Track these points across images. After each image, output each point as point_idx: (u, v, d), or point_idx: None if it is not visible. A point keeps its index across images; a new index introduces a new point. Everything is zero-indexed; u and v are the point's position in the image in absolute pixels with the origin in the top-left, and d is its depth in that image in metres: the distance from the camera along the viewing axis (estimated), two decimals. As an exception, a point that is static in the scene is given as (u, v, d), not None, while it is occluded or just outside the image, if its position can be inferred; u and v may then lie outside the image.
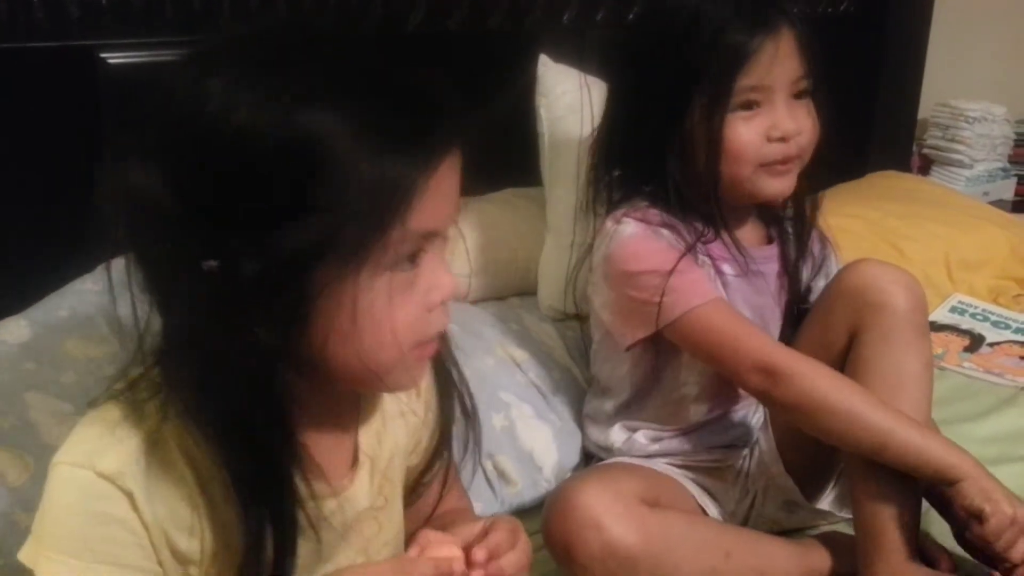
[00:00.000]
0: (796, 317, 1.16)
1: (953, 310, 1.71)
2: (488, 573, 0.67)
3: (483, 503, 1.11)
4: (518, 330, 1.33)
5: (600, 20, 1.64)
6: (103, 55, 1.21)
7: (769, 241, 1.17)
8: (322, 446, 0.69)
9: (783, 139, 1.05)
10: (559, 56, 1.49)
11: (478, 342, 1.26)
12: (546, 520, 0.97)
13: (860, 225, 1.79)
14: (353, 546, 0.74)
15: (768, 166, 1.06)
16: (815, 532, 1.11)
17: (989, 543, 0.90)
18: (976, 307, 1.72)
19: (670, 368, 1.12)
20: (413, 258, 0.64)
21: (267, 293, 0.60)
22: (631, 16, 1.67)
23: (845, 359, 1.03)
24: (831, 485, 1.13)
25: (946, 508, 0.97)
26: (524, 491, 1.13)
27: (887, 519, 0.96)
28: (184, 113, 0.60)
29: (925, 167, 2.43)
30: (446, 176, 0.63)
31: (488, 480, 1.13)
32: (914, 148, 2.41)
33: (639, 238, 1.06)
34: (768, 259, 1.15)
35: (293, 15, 1.35)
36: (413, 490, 0.82)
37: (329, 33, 0.66)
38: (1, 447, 0.97)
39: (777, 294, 1.16)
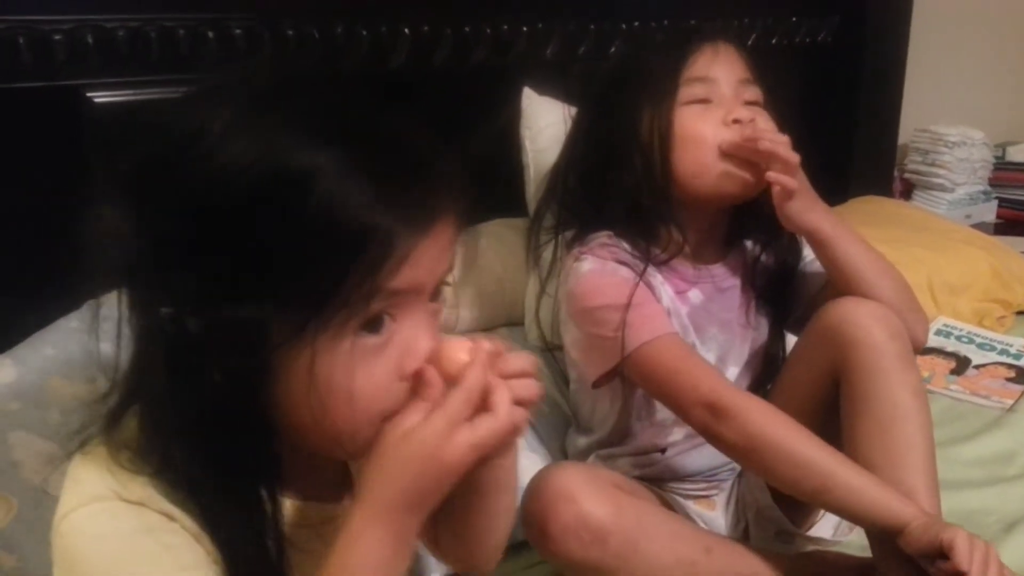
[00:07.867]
0: (782, 310, 1.16)
1: (939, 333, 1.72)
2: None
3: (474, 535, 1.10)
4: (506, 361, 1.33)
5: (582, 53, 1.66)
6: (89, 94, 1.21)
7: (726, 254, 1.16)
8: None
9: (738, 121, 1.04)
10: (543, 89, 1.51)
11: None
12: (523, 500, 0.97)
13: (844, 250, 1.80)
14: None
15: (731, 156, 1.04)
16: (805, 549, 1.10)
17: (963, 572, 0.83)
18: (961, 330, 1.73)
19: (646, 397, 1.11)
20: (377, 322, 0.59)
21: (218, 346, 0.56)
22: (611, 49, 1.70)
23: (828, 397, 1.03)
24: (822, 512, 1.12)
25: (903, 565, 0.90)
26: (515, 522, 1.12)
27: None
28: (176, 146, 0.57)
29: (907, 192, 2.46)
30: (439, 237, 0.60)
31: (478, 512, 1.12)
32: (895, 173, 2.44)
33: (596, 273, 1.06)
34: (730, 274, 1.15)
35: (278, 53, 1.36)
36: None
37: (327, 78, 0.64)
38: (-15, 488, 0.96)
39: (743, 306, 1.15)
